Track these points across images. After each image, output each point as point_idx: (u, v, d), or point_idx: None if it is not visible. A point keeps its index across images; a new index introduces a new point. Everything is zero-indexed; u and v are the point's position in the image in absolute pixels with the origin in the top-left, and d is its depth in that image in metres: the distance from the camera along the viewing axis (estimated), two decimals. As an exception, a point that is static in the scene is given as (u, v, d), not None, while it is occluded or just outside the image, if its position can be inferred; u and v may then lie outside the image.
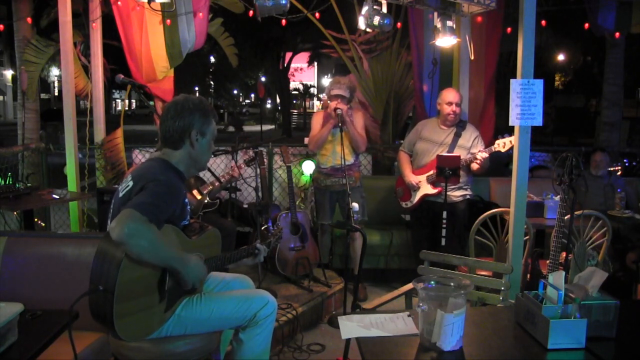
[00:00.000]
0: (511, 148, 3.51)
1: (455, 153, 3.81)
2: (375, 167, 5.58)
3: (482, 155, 3.78)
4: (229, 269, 2.47)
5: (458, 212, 3.91)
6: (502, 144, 3.72)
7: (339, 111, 3.80)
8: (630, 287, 3.60)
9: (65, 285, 2.33)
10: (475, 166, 3.84)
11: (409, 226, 4.44)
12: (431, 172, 3.87)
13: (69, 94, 3.99)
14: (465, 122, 4.03)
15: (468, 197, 4.00)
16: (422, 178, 3.97)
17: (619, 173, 4.67)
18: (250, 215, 4.20)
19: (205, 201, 3.80)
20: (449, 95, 3.91)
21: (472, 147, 3.90)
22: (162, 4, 4.18)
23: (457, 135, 3.92)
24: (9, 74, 29.65)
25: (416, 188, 4.00)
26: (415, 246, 4.16)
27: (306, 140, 4.57)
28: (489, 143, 3.95)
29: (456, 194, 3.92)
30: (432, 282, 1.72)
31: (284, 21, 4.37)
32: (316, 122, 4.10)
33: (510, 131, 3.19)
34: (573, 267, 3.06)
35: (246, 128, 25.21)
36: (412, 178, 4.02)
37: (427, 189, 3.94)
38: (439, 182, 3.75)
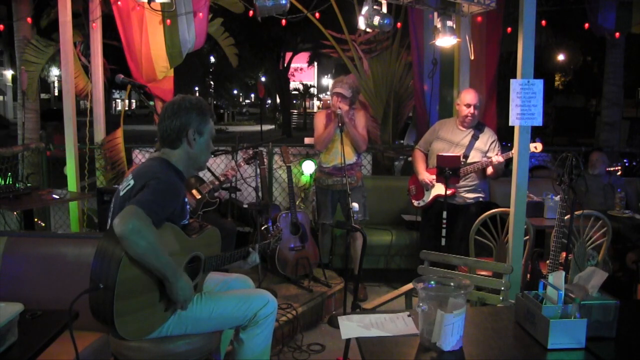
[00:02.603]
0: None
1: (472, 155, 3.83)
2: (375, 167, 5.58)
3: (498, 159, 3.75)
4: (229, 269, 2.47)
5: (470, 214, 3.85)
6: None
7: (338, 111, 3.84)
8: (630, 287, 3.61)
9: (65, 285, 2.32)
10: (490, 170, 3.83)
11: (419, 226, 4.34)
12: None
13: (69, 94, 3.99)
14: (483, 124, 3.99)
15: (481, 199, 3.96)
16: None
17: (619, 173, 4.67)
18: (250, 215, 4.20)
19: (205, 201, 3.80)
20: (468, 96, 3.88)
21: (489, 151, 3.88)
22: (162, 4, 4.18)
23: (475, 138, 3.89)
24: (9, 74, 29.64)
25: (430, 186, 3.98)
26: (423, 246, 4.12)
27: (306, 140, 4.55)
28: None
29: (469, 196, 3.90)
30: (432, 282, 1.72)
31: (284, 21, 4.36)
32: (319, 121, 4.12)
33: (510, 131, 3.18)
34: (573, 267, 3.06)
35: (246, 128, 25.18)
36: (426, 176, 3.99)
37: (440, 189, 3.88)
38: (441, 182, 3.74)
